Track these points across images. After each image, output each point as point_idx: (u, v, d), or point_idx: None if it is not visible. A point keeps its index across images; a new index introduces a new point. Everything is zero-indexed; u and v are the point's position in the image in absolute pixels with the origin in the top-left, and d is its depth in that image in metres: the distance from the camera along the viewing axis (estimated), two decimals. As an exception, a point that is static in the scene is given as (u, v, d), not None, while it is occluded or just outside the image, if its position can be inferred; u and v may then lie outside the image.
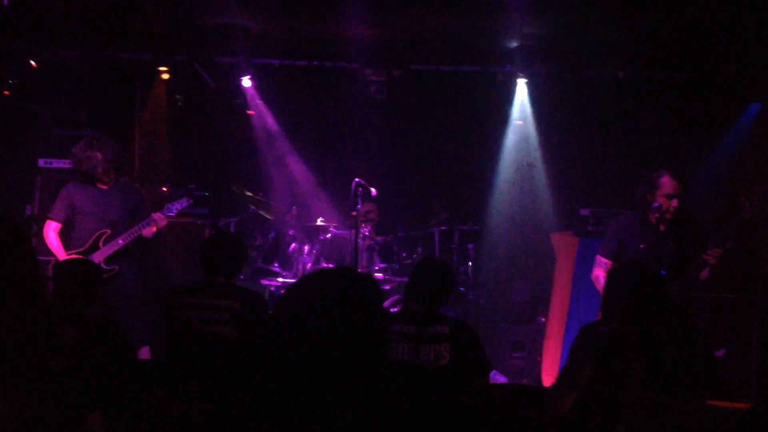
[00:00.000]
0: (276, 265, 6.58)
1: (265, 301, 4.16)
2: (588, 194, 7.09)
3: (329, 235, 6.79)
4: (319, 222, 6.95)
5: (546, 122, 7.47)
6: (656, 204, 4.67)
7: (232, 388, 3.76)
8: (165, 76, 7.23)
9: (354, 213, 6.21)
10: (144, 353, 5.45)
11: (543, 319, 6.83)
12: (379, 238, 6.90)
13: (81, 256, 5.09)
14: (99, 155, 5.32)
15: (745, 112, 6.89)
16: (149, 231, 5.39)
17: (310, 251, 6.71)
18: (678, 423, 3.12)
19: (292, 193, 7.88)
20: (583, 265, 6.07)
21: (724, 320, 6.04)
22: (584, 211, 6.49)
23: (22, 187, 6.80)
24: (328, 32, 6.82)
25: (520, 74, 7.11)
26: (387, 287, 6.73)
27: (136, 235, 5.34)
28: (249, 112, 7.79)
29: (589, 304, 5.62)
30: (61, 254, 5.25)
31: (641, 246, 4.71)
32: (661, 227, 4.71)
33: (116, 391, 3.59)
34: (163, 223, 5.39)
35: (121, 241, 5.31)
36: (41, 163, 6.72)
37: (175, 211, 5.47)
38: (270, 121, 7.84)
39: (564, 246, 6.57)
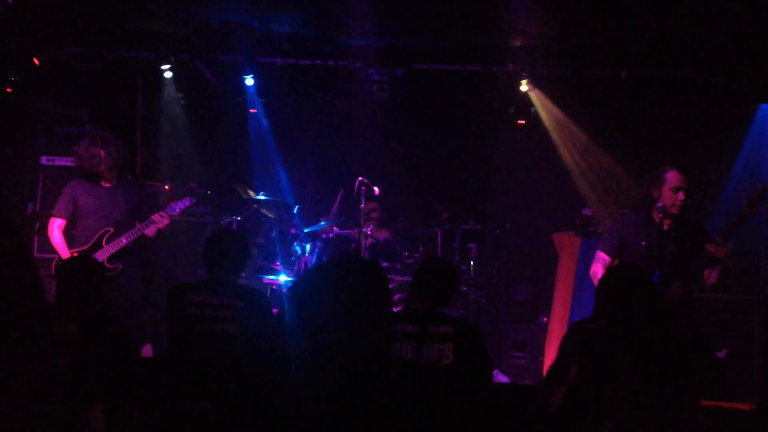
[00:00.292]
0: (278, 263, 6.59)
1: (268, 299, 4.16)
2: (590, 194, 7.09)
3: (331, 233, 6.80)
4: (321, 221, 6.95)
5: (548, 122, 7.47)
6: (660, 204, 4.68)
7: (235, 386, 3.76)
8: (167, 75, 7.23)
9: (357, 212, 6.21)
10: (146, 351, 5.46)
11: (545, 319, 6.83)
12: (381, 237, 6.91)
13: (84, 254, 5.09)
14: (102, 153, 5.32)
15: (755, 113, 6.82)
16: (151, 231, 5.39)
17: (311, 250, 6.72)
18: (666, 421, 3.12)
19: (294, 192, 7.88)
20: (585, 265, 6.07)
21: (726, 320, 6.05)
22: (586, 212, 6.51)
23: (25, 184, 6.80)
24: (331, 31, 6.82)
25: (523, 74, 7.10)
26: (389, 286, 6.72)
27: (138, 234, 5.34)
28: (251, 110, 7.79)
29: (591, 304, 5.60)
30: (65, 252, 5.26)
31: (642, 243, 4.71)
32: (665, 226, 4.72)
33: (120, 388, 3.59)
34: (165, 222, 5.37)
35: (124, 240, 5.31)
36: (43, 160, 6.73)
37: (179, 210, 5.46)
38: (272, 119, 7.85)
39: (566, 246, 6.58)
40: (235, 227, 7.02)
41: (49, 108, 7.08)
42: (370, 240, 6.76)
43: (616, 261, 4.82)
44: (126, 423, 3.52)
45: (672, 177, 4.69)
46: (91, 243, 5.31)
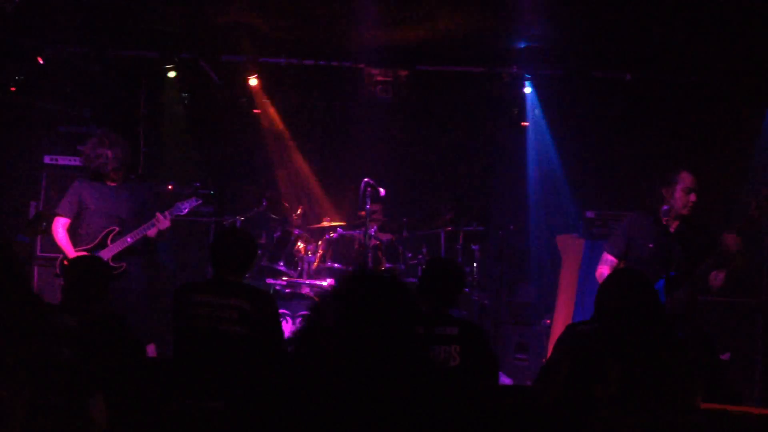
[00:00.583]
0: (281, 264, 6.57)
1: (274, 300, 4.14)
2: (594, 196, 7.09)
3: (335, 234, 6.78)
4: (325, 221, 6.93)
5: (552, 124, 7.47)
6: (666, 207, 4.69)
7: (242, 387, 3.75)
8: (171, 74, 7.22)
9: (362, 213, 6.20)
10: (150, 351, 5.45)
11: (548, 321, 6.82)
12: (384, 238, 6.89)
13: (89, 253, 5.08)
14: (110, 153, 5.32)
15: (763, 120, 6.80)
16: (153, 231, 5.38)
17: (315, 251, 6.70)
18: (655, 425, 3.11)
19: (298, 193, 7.87)
20: (589, 267, 6.08)
21: (730, 323, 6.05)
22: (590, 214, 6.51)
23: (28, 183, 6.80)
24: (335, 32, 6.81)
25: (527, 75, 7.10)
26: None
27: (143, 233, 5.34)
28: (255, 110, 7.79)
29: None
30: (70, 251, 5.25)
31: (650, 245, 4.72)
32: (672, 228, 4.72)
33: (122, 381, 3.58)
34: (166, 224, 5.34)
35: (129, 239, 5.31)
36: (47, 159, 6.73)
37: (185, 210, 5.45)
38: (276, 120, 7.84)
39: (569, 248, 6.58)
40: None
41: (53, 107, 7.08)
42: (373, 241, 6.75)
43: (623, 263, 4.82)
44: (130, 422, 3.52)
45: (685, 178, 4.74)
46: (96, 242, 5.31)
